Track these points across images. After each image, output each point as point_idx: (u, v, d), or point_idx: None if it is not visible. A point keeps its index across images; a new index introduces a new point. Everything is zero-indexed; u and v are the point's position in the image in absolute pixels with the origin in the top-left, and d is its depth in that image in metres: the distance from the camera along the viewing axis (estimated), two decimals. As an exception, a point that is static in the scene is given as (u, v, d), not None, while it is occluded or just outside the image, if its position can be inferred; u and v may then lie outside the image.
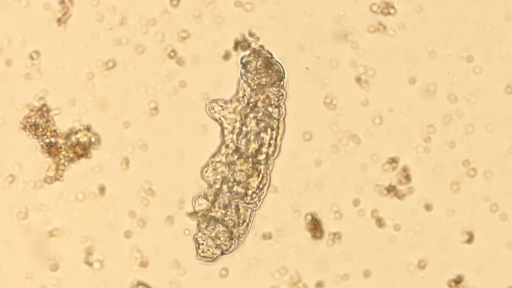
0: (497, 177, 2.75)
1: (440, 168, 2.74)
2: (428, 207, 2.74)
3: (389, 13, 2.75)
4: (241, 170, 2.65)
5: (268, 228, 2.73)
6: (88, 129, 2.74)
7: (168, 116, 2.75)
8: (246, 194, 2.66)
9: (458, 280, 2.74)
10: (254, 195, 2.67)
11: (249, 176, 2.65)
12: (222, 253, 2.68)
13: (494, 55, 2.75)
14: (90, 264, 2.73)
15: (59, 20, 2.74)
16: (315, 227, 2.74)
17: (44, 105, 2.73)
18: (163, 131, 2.75)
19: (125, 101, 2.74)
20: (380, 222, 2.74)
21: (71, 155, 2.73)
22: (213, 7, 2.74)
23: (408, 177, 2.74)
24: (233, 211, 2.67)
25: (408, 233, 2.74)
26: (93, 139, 2.73)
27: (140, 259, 2.73)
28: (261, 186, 2.67)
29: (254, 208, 2.68)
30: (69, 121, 2.75)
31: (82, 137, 2.73)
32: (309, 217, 2.74)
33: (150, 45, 2.75)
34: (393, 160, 2.74)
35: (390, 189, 2.74)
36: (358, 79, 2.74)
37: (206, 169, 2.67)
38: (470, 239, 2.74)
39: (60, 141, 2.73)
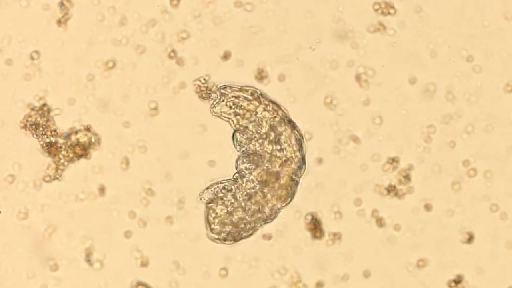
0: (497, 177, 2.74)
1: (440, 168, 2.74)
2: (428, 207, 2.74)
3: (389, 13, 2.75)
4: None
5: (268, 228, 2.73)
6: (88, 129, 2.74)
7: (168, 116, 2.75)
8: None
9: (458, 280, 2.73)
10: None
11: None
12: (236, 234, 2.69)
13: (494, 55, 2.75)
14: (90, 264, 2.73)
15: (59, 21, 2.74)
16: (315, 227, 2.73)
17: (44, 104, 2.73)
18: (163, 131, 2.75)
19: (125, 101, 2.74)
20: (380, 222, 2.73)
21: (71, 155, 2.73)
22: (213, 7, 2.74)
23: (408, 177, 2.74)
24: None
25: (408, 233, 2.74)
26: (93, 139, 2.73)
27: (140, 259, 2.73)
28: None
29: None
30: (69, 121, 2.75)
31: (82, 137, 2.73)
32: (309, 217, 2.74)
33: (150, 45, 2.75)
34: (393, 160, 2.74)
35: (390, 189, 2.74)
36: (358, 78, 2.74)
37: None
38: (470, 239, 2.74)
39: (60, 141, 2.73)
